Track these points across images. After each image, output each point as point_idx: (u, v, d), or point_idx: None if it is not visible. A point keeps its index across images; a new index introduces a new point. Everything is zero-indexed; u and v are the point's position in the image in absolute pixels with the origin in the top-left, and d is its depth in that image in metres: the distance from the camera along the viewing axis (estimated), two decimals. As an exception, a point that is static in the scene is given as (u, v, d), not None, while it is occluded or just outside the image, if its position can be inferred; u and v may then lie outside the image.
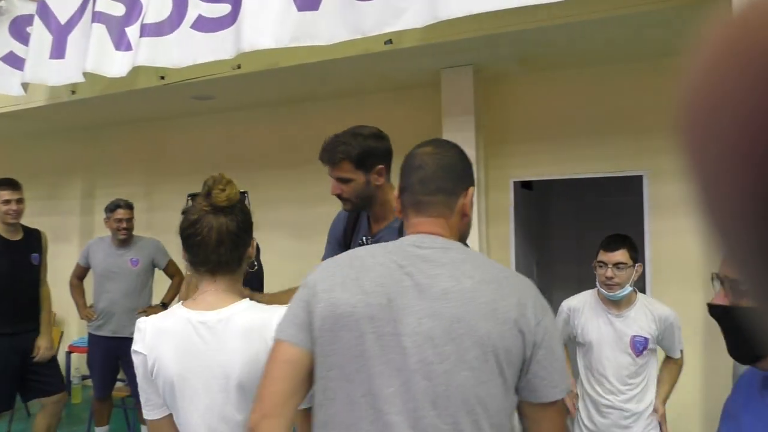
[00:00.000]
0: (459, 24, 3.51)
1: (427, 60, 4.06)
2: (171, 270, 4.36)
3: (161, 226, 5.14)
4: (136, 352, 1.46)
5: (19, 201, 3.69)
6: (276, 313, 1.41)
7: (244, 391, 1.40)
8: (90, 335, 4.24)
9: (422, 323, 1.18)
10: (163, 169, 6.09)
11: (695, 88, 0.27)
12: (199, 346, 1.42)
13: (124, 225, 4.20)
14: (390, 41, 3.63)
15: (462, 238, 1.38)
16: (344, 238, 2.33)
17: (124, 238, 4.20)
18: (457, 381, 1.15)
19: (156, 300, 4.40)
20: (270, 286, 4.63)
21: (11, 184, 3.70)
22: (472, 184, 1.36)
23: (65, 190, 6.68)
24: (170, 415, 1.48)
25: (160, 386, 1.44)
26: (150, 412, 1.49)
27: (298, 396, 1.26)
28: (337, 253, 1.44)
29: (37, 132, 6.50)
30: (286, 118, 5.43)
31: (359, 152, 2.03)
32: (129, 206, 4.25)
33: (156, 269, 4.36)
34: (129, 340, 1.58)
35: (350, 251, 1.38)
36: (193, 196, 1.76)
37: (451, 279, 1.21)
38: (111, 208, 4.21)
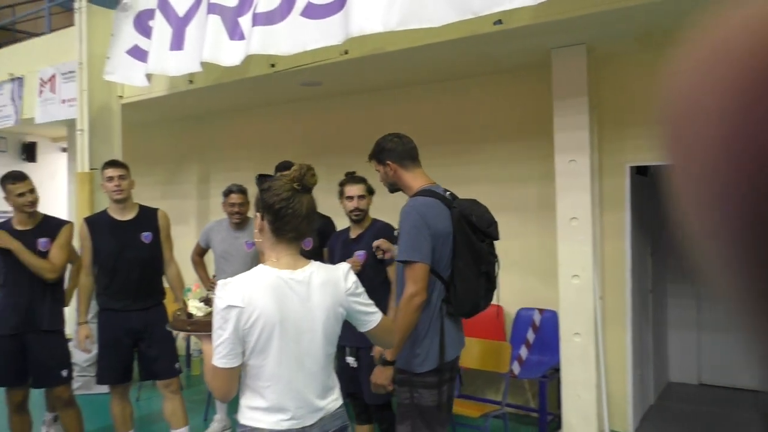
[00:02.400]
0: (572, 1, 3.37)
1: (537, 40, 3.94)
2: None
3: (270, 210, 5.34)
4: (230, 306, 1.75)
5: (122, 177, 3.68)
6: (339, 269, 1.93)
7: (325, 331, 1.87)
8: None
9: None
10: (273, 154, 6.29)
11: (676, 92, 0.28)
12: (292, 297, 1.82)
13: (237, 209, 4.40)
14: (500, 21, 3.54)
15: None
16: None
17: (238, 221, 4.41)
18: None
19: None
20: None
21: (114, 163, 3.81)
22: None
23: (183, 175, 7.11)
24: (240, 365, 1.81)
25: (257, 333, 1.77)
26: (230, 361, 1.77)
27: None
28: None
29: (158, 120, 6.95)
30: (391, 102, 5.46)
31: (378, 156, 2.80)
32: (242, 191, 4.44)
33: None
34: None
35: None
36: (262, 177, 2.08)
37: None
38: (225, 193, 4.43)
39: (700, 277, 0.30)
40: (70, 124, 5.94)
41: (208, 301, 2.16)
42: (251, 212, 4.58)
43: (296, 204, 1.85)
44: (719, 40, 0.26)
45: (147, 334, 3.72)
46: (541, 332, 4.57)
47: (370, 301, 1.99)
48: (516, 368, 4.27)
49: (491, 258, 2.66)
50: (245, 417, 1.86)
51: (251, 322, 1.76)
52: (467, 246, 2.58)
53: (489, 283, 2.65)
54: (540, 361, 4.44)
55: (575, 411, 4.05)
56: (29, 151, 7.85)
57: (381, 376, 2.65)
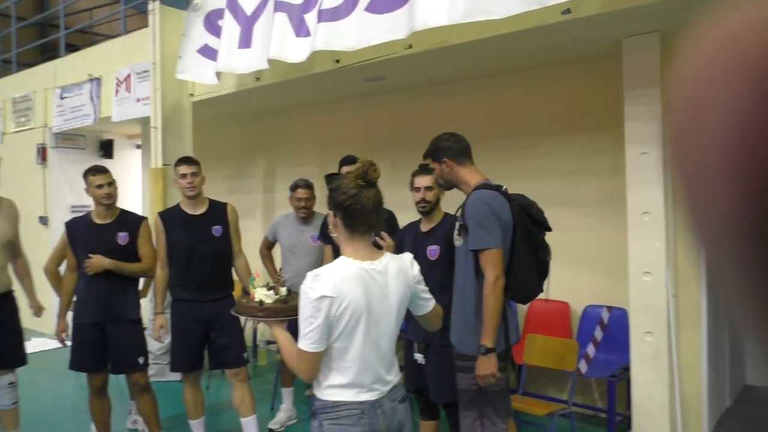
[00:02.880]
0: (645, -13, 3.26)
1: (607, 29, 3.83)
2: (329, 252, 4.56)
3: (334, 205, 5.40)
4: (323, 296, 1.91)
5: (194, 174, 3.83)
6: (407, 258, 2.14)
7: (398, 315, 2.08)
8: None
9: None
10: (336, 149, 6.37)
11: (683, 95, 0.27)
12: (375, 287, 2.00)
13: (303, 204, 4.49)
14: (568, 11, 3.46)
15: None
16: None
17: (304, 215, 4.50)
18: None
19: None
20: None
21: (186, 160, 3.94)
22: None
23: (250, 169, 7.30)
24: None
25: (345, 320, 1.94)
26: (319, 346, 1.95)
27: None
28: None
29: (226, 117, 7.16)
30: (455, 96, 5.43)
31: (435, 153, 3.00)
32: (308, 186, 4.53)
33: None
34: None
35: None
36: (331, 176, 2.25)
37: None
38: (292, 187, 4.53)
39: (714, 286, 0.29)
40: (144, 121, 6.19)
41: (273, 289, 2.31)
42: (317, 207, 4.69)
43: (363, 199, 2.00)
44: (726, 39, 0.26)
45: (217, 324, 3.84)
46: (610, 330, 4.45)
47: (426, 288, 2.20)
48: (583, 367, 4.18)
49: (547, 248, 2.87)
50: (326, 393, 2.02)
51: (341, 310, 1.94)
52: (527, 236, 2.78)
53: (545, 272, 2.87)
54: (608, 360, 4.33)
55: (646, 412, 3.93)
56: (107, 148, 8.22)
57: (486, 366, 2.68)
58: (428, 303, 2.20)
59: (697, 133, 0.27)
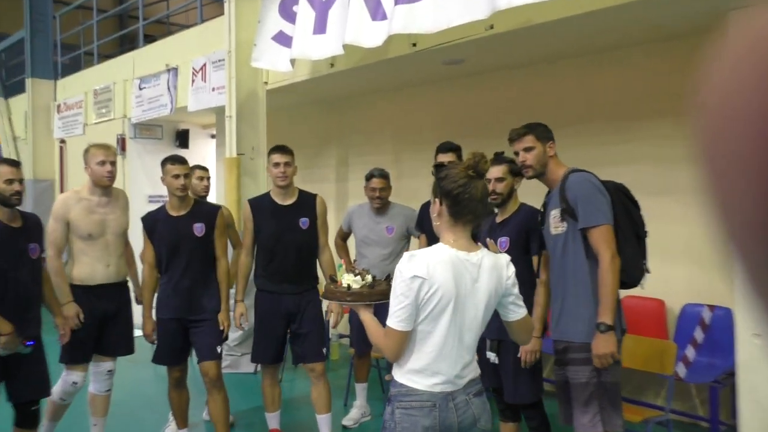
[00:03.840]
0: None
1: (710, 1, 3.52)
2: (423, 242, 4.44)
3: (408, 193, 5.29)
4: (416, 276, 2.00)
5: (287, 164, 3.82)
6: (504, 257, 2.19)
7: (486, 311, 2.14)
8: None
9: None
10: (411, 137, 6.28)
11: (713, 88, 0.28)
12: (467, 276, 2.08)
13: (377, 194, 4.41)
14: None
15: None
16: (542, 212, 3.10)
17: (379, 206, 4.41)
18: None
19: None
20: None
21: (281, 149, 3.89)
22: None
23: (322, 158, 7.29)
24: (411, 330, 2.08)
25: (434, 303, 2.02)
26: (407, 325, 2.04)
27: None
28: None
29: (298, 105, 7.17)
30: (537, 78, 5.19)
31: (538, 130, 2.94)
32: (383, 175, 4.44)
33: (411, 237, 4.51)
34: (385, 304, 2.16)
35: None
36: (438, 166, 2.28)
37: None
38: (368, 177, 4.45)
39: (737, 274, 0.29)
40: (219, 111, 6.27)
41: (360, 275, 2.42)
42: (393, 197, 4.60)
43: (472, 189, 2.08)
44: (756, 38, 0.26)
45: (299, 317, 3.85)
46: (712, 331, 4.15)
47: (521, 296, 2.23)
48: (681, 370, 3.92)
49: (644, 224, 2.89)
50: (404, 377, 2.11)
51: (431, 293, 2.02)
52: (627, 214, 2.80)
53: (644, 250, 2.88)
54: (710, 363, 4.04)
55: (755, 421, 3.63)
56: (182, 138, 8.43)
57: (606, 344, 2.63)
58: (519, 310, 2.23)
59: (731, 129, 0.27)
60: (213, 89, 6.25)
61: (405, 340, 2.07)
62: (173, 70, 7.03)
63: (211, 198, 6.11)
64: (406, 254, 2.08)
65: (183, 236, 3.77)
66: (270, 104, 5.94)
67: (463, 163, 2.12)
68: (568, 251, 2.81)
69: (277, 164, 3.84)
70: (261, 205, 3.93)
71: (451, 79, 5.73)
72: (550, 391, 3.81)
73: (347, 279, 2.39)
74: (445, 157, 3.92)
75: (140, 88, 7.60)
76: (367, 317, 2.24)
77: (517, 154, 2.97)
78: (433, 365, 2.08)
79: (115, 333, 3.84)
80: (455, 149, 4.03)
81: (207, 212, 3.89)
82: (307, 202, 3.95)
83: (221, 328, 3.80)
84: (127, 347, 3.94)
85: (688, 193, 4.35)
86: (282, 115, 7.14)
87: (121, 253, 3.89)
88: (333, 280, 2.58)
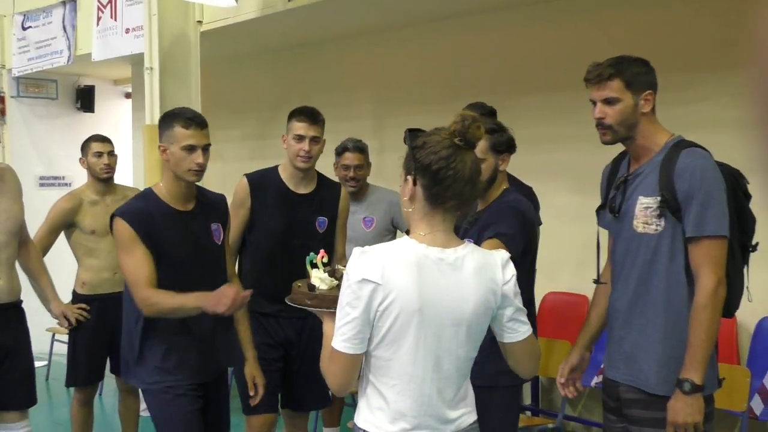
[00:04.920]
0: None
1: None
2: None
3: (394, 172, 5.35)
4: (365, 280, 1.97)
5: (314, 140, 3.70)
6: (499, 254, 2.15)
7: (470, 328, 2.07)
8: None
9: None
10: (396, 97, 6.35)
11: None
12: (439, 281, 2.02)
13: (352, 173, 4.50)
14: None
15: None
16: (606, 188, 2.89)
17: (354, 189, 4.50)
18: None
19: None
20: (543, 255, 4.64)
21: (309, 115, 3.80)
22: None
23: (278, 126, 7.27)
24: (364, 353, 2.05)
25: (391, 318, 1.99)
26: (355, 346, 2.01)
27: None
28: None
29: (245, 53, 7.20)
30: (555, 18, 5.32)
31: (632, 72, 2.62)
32: (359, 149, 4.54)
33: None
34: None
35: None
36: (413, 131, 2.14)
37: None
38: (339, 151, 4.55)
39: None
40: (136, 61, 6.30)
41: (334, 273, 2.39)
42: (372, 178, 4.67)
43: (458, 163, 2.02)
44: None
45: (300, 347, 3.81)
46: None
47: (524, 308, 2.17)
48: (758, 406, 4.07)
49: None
50: (362, 419, 2.10)
51: (386, 304, 1.98)
52: (739, 218, 2.64)
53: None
54: (796, 397, 4.20)
55: None
56: (85, 98, 8.41)
57: (689, 411, 2.50)
58: (521, 328, 2.15)
59: None
60: (127, 30, 6.25)
61: (354, 367, 2.05)
62: (71, 3, 7.00)
63: (123, 179, 6.15)
64: (356, 250, 2.04)
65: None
66: (206, 52, 5.96)
67: (448, 128, 2.06)
68: (660, 261, 2.62)
69: (300, 138, 3.68)
70: (265, 187, 3.75)
71: (446, 20, 5.80)
72: None
73: (315, 277, 2.37)
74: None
75: (24, 28, 7.55)
76: (329, 330, 2.16)
77: (593, 103, 2.71)
78: (401, 405, 2.04)
79: (12, 378, 3.73)
80: (489, 113, 3.96)
81: (217, 205, 3.56)
82: (329, 195, 3.84)
83: None
84: (28, 395, 3.86)
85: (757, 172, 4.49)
86: (223, 68, 7.15)
87: (14, 261, 3.78)
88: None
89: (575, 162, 5.18)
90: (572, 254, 5.26)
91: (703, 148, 2.63)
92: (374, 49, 6.49)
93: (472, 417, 2.17)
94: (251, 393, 3.45)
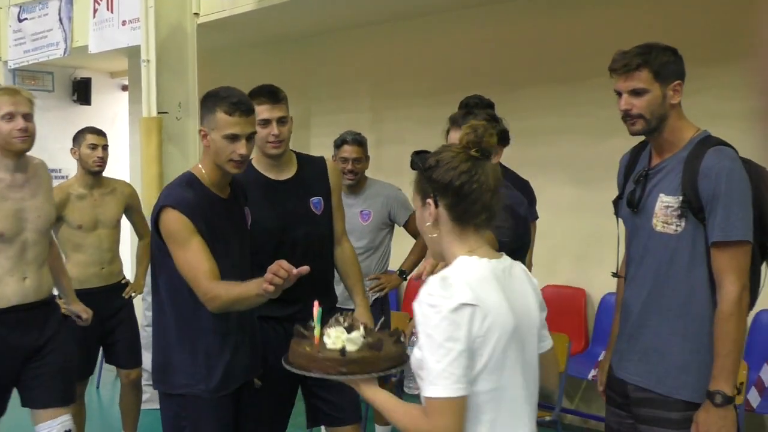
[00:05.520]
0: None
1: None
2: (413, 227, 4.38)
3: (391, 166, 5.35)
4: (463, 305, 1.78)
5: (281, 121, 3.36)
6: (518, 263, 2.05)
7: (537, 332, 2.01)
8: None
9: None
10: (395, 89, 6.36)
11: None
12: (515, 294, 1.94)
13: (350, 166, 4.48)
14: None
15: None
16: (624, 178, 2.81)
17: (351, 183, 4.49)
18: None
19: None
20: (541, 248, 4.65)
21: (269, 94, 3.42)
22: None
23: (275, 119, 7.33)
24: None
25: (492, 342, 1.82)
26: (465, 386, 1.79)
27: None
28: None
29: (242, 45, 7.20)
30: (552, 10, 5.34)
31: (660, 61, 2.55)
32: (358, 142, 4.52)
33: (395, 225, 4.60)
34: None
35: None
36: (420, 153, 2.01)
37: None
38: (337, 144, 4.53)
39: None
40: (133, 53, 6.29)
41: (350, 329, 2.15)
42: (371, 171, 4.66)
43: (481, 175, 1.92)
44: None
45: None
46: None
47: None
48: (754, 398, 4.09)
49: None
50: None
51: (486, 327, 1.82)
52: (761, 221, 2.52)
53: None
54: (794, 389, 4.22)
55: None
56: (82, 90, 8.42)
57: (724, 422, 2.42)
58: (548, 335, 2.11)
59: None
60: (124, 23, 6.25)
61: (464, 412, 1.81)
62: (67, -5, 7.00)
63: (120, 173, 6.15)
64: (432, 279, 1.86)
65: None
66: (203, 44, 5.96)
67: (461, 141, 1.96)
68: (679, 263, 2.55)
69: (266, 122, 3.30)
70: (246, 183, 3.31)
71: (452, 10, 5.81)
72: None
73: (336, 336, 2.12)
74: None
75: (20, 20, 7.53)
76: (380, 396, 2.00)
77: (618, 94, 2.62)
78: None
79: (43, 376, 3.60)
80: (487, 106, 3.81)
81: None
82: (315, 171, 3.53)
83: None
84: (63, 393, 3.67)
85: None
86: (220, 60, 7.14)
87: (43, 260, 3.60)
88: (305, 329, 2.28)
89: (573, 154, 5.19)
90: (570, 247, 5.28)
91: (730, 146, 2.54)
92: (372, 42, 6.50)
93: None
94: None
